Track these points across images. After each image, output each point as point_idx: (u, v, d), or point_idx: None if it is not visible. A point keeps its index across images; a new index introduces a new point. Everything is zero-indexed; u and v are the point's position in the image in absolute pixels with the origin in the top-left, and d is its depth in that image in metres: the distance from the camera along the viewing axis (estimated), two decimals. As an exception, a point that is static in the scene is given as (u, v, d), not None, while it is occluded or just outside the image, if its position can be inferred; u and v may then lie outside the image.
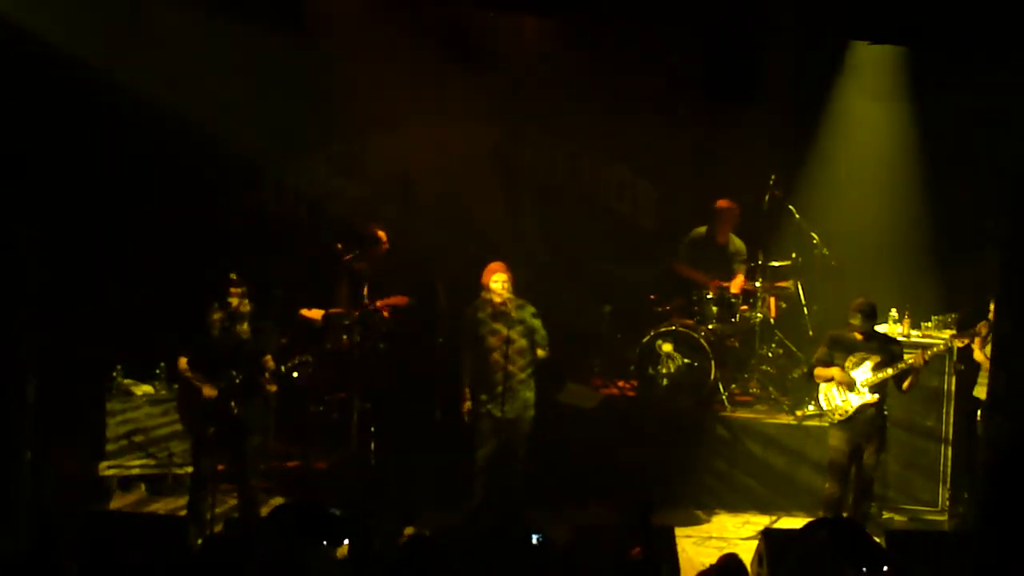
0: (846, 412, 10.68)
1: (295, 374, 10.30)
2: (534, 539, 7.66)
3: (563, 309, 12.48)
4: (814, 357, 11.09)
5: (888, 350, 10.79)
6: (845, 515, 10.53)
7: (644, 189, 13.85)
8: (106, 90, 11.67)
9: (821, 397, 10.89)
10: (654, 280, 13.50)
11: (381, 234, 12.05)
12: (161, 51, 11.96)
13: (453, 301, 11.95)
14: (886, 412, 10.85)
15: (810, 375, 11.17)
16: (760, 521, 11.50)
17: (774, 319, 13.06)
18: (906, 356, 10.67)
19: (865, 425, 10.69)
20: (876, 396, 10.67)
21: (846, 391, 10.68)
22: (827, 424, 11.00)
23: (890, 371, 10.61)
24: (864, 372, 10.66)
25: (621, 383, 13.17)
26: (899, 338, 11.66)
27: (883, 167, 12.93)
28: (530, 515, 10.38)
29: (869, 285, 12.02)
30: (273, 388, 10.38)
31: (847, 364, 10.70)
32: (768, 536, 8.80)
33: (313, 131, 12.95)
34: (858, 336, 10.76)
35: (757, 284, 12.88)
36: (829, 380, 10.77)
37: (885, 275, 12.60)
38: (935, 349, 10.92)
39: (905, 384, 10.68)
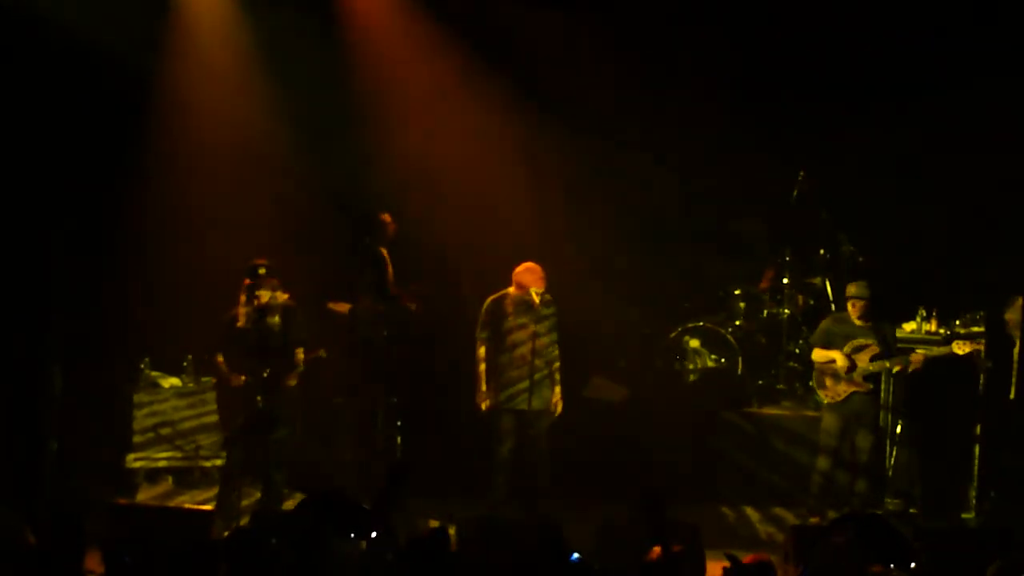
0: (838, 396, 10.93)
1: (302, 367, 10.42)
2: (574, 557, 7.67)
3: (589, 304, 12.53)
4: (812, 337, 11.30)
5: (885, 340, 11.07)
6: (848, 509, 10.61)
7: (671, 182, 13.87)
8: (128, 80, 11.78)
9: (816, 378, 11.14)
10: (681, 275, 13.59)
11: (386, 217, 12.16)
12: (188, 42, 12.07)
13: (478, 296, 12.00)
14: (881, 400, 11.23)
15: (800, 360, 11.27)
16: (787, 517, 11.52)
17: (801, 315, 13.12)
18: (913, 355, 10.89)
19: (856, 409, 10.99)
20: (871, 385, 11.00)
21: (842, 376, 10.91)
22: (820, 403, 11.24)
23: (887, 364, 10.95)
24: (862, 360, 10.91)
25: (647, 378, 13.27)
26: (924, 336, 11.74)
27: (914, 163, 12.97)
28: (552, 511, 10.35)
29: (898, 282, 12.08)
30: (293, 383, 10.52)
31: (845, 349, 10.94)
32: (795, 532, 8.85)
33: (339, 123, 13.02)
34: (857, 322, 11.04)
35: (784, 280, 12.93)
36: (829, 362, 10.98)
37: (914, 272, 12.70)
38: (936, 352, 11.12)
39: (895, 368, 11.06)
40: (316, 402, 11.92)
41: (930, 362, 10.99)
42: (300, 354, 10.49)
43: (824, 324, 11.30)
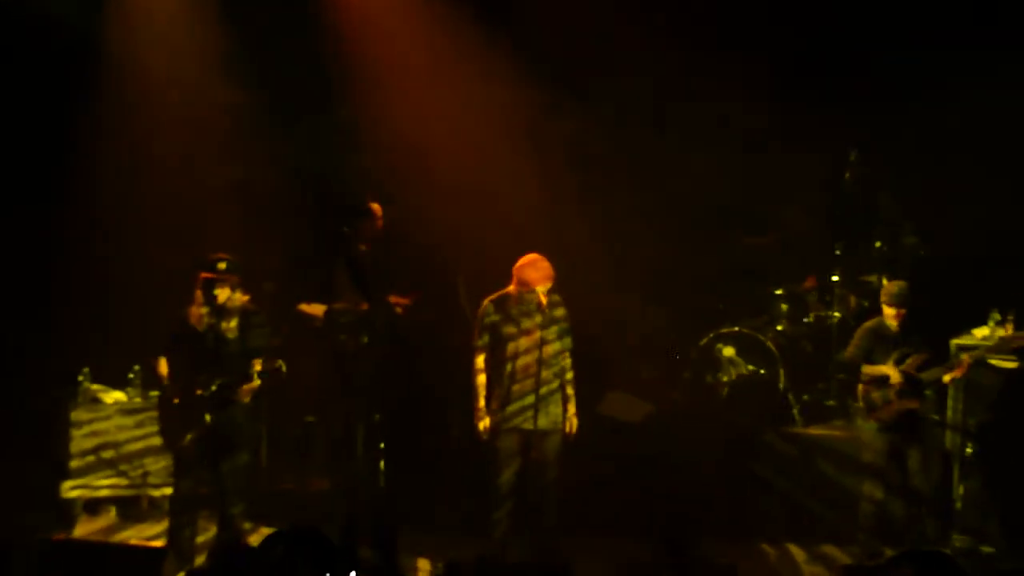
0: (891, 416, 10.70)
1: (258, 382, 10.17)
2: None
3: (605, 305, 12.30)
4: (850, 352, 11.02)
5: (927, 346, 10.82)
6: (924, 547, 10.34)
7: (701, 165, 13.64)
8: (66, 46, 11.60)
9: (862, 397, 10.86)
10: (714, 272, 13.35)
11: (375, 207, 11.87)
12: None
13: (476, 296, 11.72)
14: (935, 416, 11.21)
15: (854, 372, 11.01)
16: (837, 556, 11.27)
17: (854, 319, 12.82)
18: (959, 358, 10.77)
19: (906, 426, 10.74)
20: (920, 400, 10.81)
21: (894, 392, 10.67)
22: (861, 423, 11.00)
23: (937, 372, 10.70)
24: (910, 370, 10.70)
25: (674, 393, 13.02)
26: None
27: (986, 139, 12.62)
28: (561, 549, 10.28)
29: (968, 281, 11.84)
30: (247, 399, 10.15)
31: (890, 361, 10.74)
32: (845, 573, 8.63)
33: (315, 94, 12.81)
34: (896, 328, 10.78)
35: (835, 278, 12.69)
36: (881, 378, 10.72)
37: (987, 268, 12.38)
38: (980, 352, 10.92)
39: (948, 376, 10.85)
40: (284, 420, 11.73)
41: (980, 365, 10.88)
42: (257, 365, 10.06)
43: (863, 333, 10.98)
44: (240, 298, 10.14)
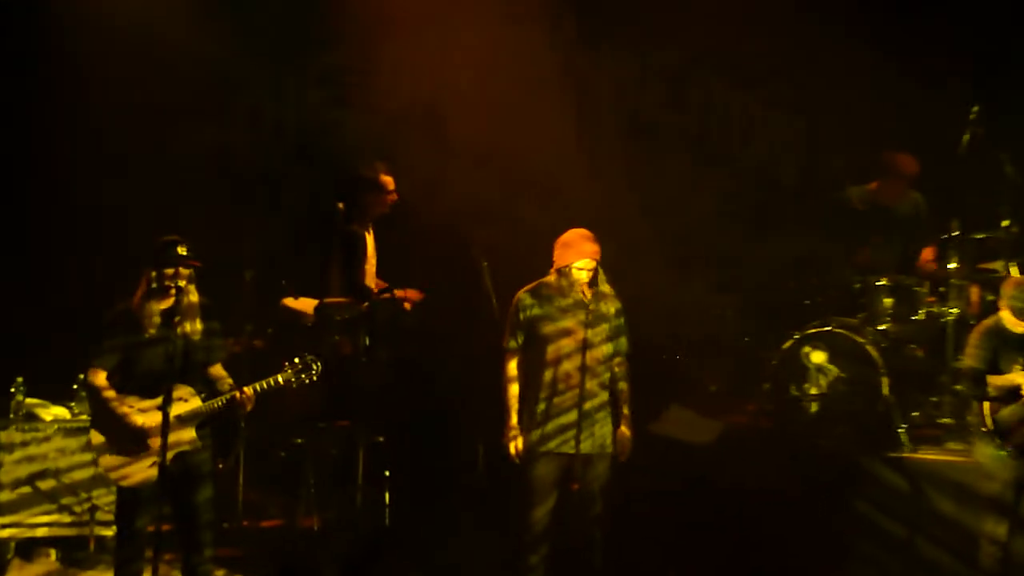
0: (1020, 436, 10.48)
1: (293, 382, 10.01)
2: None
3: (665, 300, 12.26)
4: (968, 359, 10.73)
5: None
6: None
7: (784, 127, 13.62)
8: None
9: (989, 415, 10.65)
10: (799, 260, 13.27)
11: (386, 178, 11.79)
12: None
13: (504, 287, 11.66)
14: None
15: (979, 385, 10.90)
16: (960, 616, 10.44)
17: (976, 316, 12.72)
18: None
19: None
20: None
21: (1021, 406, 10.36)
22: (982, 447, 10.67)
23: None
24: None
25: (750, 408, 12.86)
26: None
27: None
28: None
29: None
30: (249, 407, 9.91)
31: (1015, 366, 10.54)
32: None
33: (302, 38, 12.80)
34: (1020, 327, 10.52)
35: (951, 266, 12.59)
36: (1010, 389, 10.56)
37: None
38: None
39: None
40: (267, 442, 11.71)
41: None
42: (227, 377, 9.64)
43: (981, 334, 10.56)
44: (194, 292, 9.95)
